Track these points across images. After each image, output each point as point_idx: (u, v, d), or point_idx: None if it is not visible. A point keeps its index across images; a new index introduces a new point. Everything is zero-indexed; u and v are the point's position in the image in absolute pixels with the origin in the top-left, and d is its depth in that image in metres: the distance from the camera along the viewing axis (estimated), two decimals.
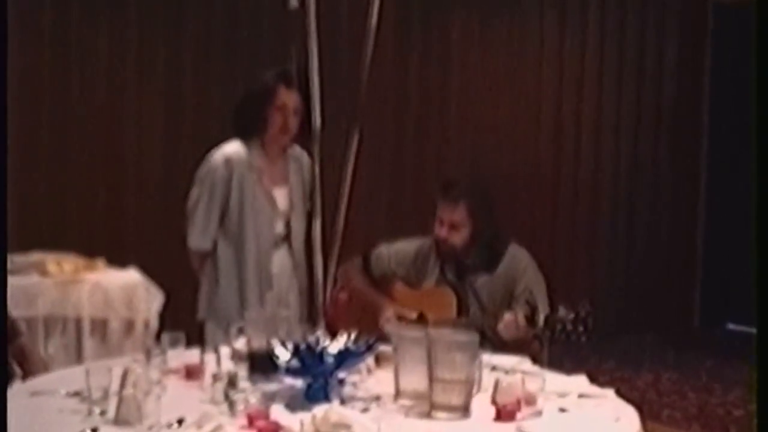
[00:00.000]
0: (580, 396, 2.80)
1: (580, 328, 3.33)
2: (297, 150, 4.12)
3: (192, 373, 2.87)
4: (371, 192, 6.86)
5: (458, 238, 3.84)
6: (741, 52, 7.27)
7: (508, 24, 7.49)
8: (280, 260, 4.17)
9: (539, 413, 2.61)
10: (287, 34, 3.41)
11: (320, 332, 2.87)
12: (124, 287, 4.87)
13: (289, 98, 4.01)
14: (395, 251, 4.07)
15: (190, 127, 6.70)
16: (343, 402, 2.62)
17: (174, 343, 2.96)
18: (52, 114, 6.45)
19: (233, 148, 4.12)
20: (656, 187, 7.76)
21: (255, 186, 4.11)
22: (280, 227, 4.16)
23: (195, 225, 4.13)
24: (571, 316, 3.33)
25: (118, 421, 2.43)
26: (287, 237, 4.17)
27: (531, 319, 3.47)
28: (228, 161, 4.08)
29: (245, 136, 4.12)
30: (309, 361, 2.66)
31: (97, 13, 6.51)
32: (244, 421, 2.42)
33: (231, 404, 2.53)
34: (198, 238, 4.13)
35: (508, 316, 3.55)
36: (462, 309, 3.82)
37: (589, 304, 3.36)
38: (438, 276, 3.94)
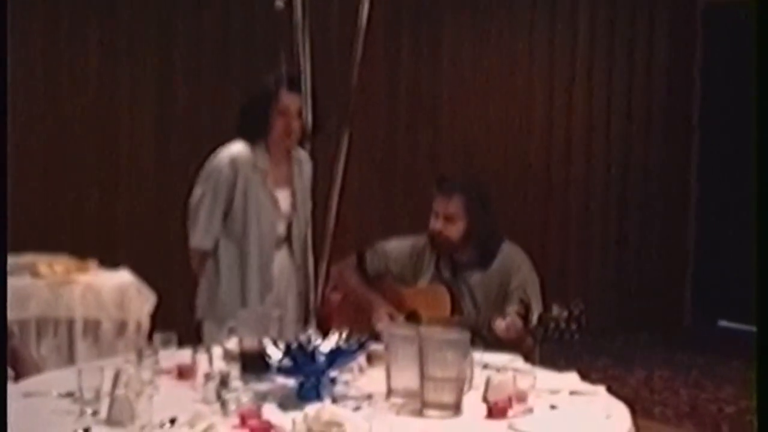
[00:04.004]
0: (572, 393, 2.81)
1: (573, 327, 3.34)
2: (301, 153, 4.11)
3: (184, 373, 2.87)
4: (364, 191, 6.86)
5: (453, 232, 3.82)
6: (731, 53, 7.29)
7: (498, 23, 7.50)
8: (281, 262, 4.17)
9: (530, 410, 2.62)
10: (278, 37, 3.41)
11: (312, 331, 2.87)
12: (116, 288, 4.87)
13: (291, 101, 3.96)
14: (390, 249, 4.04)
15: (181, 129, 6.70)
16: (335, 400, 2.63)
17: (166, 344, 2.97)
18: (44, 115, 6.44)
19: (238, 148, 4.11)
20: (647, 186, 7.77)
21: (259, 187, 4.10)
22: (281, 229, 4.16)
23: (197, 224, 4.11)
24: (565, 314, 3.34)
25: (110, 421, 2.43)
26: (288, 238, 4.17)
27: (525, 316, 3.48)
28: (233, 161, 4.08)
29: (250, 139, 4.12)
30: (301, 360, 2.66)
31: (88, 18, 6.51)
32: (236, 420, 2.43)
33: (223, 404, 2.53)
34: (200, 237, 4.12)
35: (508, 320, 3.56)
36: (456, 307, 3.82)
37: (581, 302, 3.37)
38: (433, 273, 3.92)
